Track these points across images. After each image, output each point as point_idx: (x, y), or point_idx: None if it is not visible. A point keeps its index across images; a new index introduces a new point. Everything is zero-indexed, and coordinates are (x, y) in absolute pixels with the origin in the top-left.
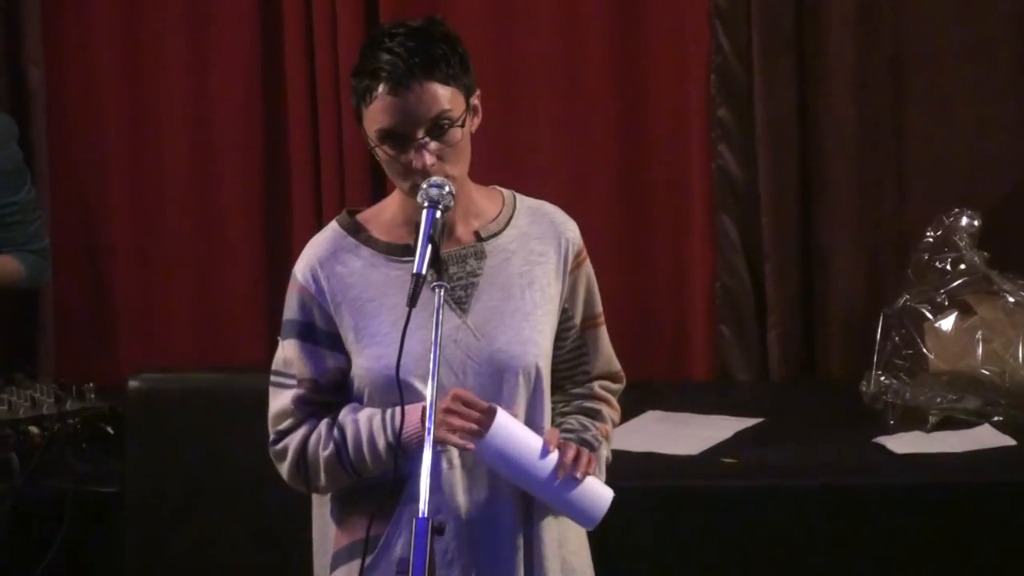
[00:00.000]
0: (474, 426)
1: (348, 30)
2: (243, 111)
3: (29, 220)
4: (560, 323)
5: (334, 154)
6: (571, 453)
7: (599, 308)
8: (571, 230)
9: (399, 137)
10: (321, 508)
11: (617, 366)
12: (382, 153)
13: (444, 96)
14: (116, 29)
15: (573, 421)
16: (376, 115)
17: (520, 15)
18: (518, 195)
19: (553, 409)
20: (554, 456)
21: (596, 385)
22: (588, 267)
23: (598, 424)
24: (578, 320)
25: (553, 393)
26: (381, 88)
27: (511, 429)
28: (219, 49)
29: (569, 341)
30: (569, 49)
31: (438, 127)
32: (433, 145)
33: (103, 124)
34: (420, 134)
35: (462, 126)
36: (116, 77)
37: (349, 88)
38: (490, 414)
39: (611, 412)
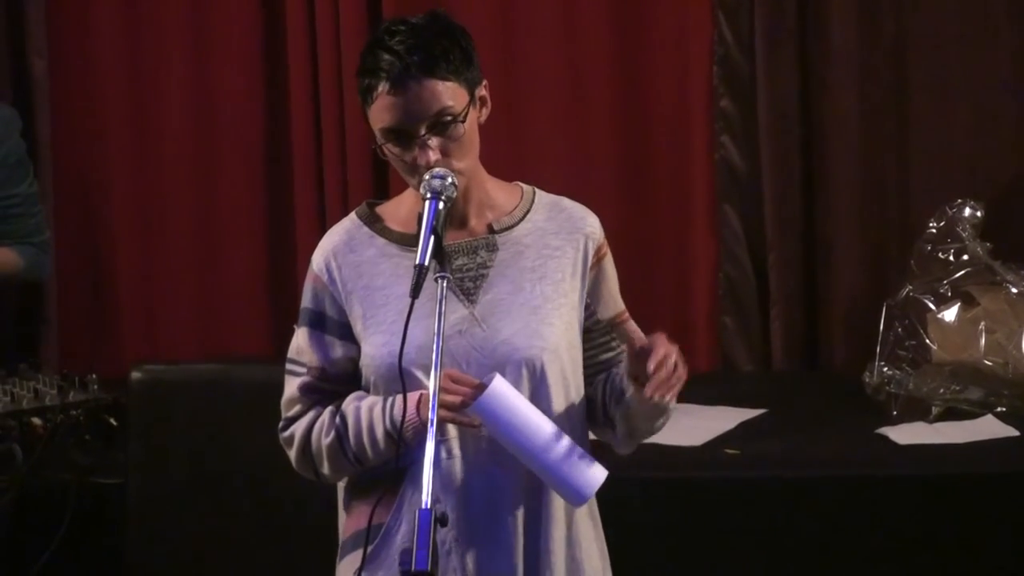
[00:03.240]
0: (463, 399)
1: (351, 22)
2: (246, 104)
3: (30, 213)
4: (585, 318)
5: (336, 147)
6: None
7: (622, 304)
8: (591, 225)
9: (402, 135)
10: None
11: None
12: (388, 151)
13: (444, 92)
14: (120, 21)
15: None
16: (379, 114)
17: (522, 7)
18: (538, 190)
19: (609, 377)
20: (549, 427)
21: None
22: (610, 262)
23: None
24: (604, 316)
25: (597, 376)
26: (381, 87)
27: (508, 394)
28: (222, 41)
29: (597, 333)
30: (571, 41)
31: (440, 123)
32: (435, 141)
33: (106, 116)
34: (422, 131)
35: (463, 121)
36: (119, 69)
37: (354, 86)
38: (481, 389)
39: None
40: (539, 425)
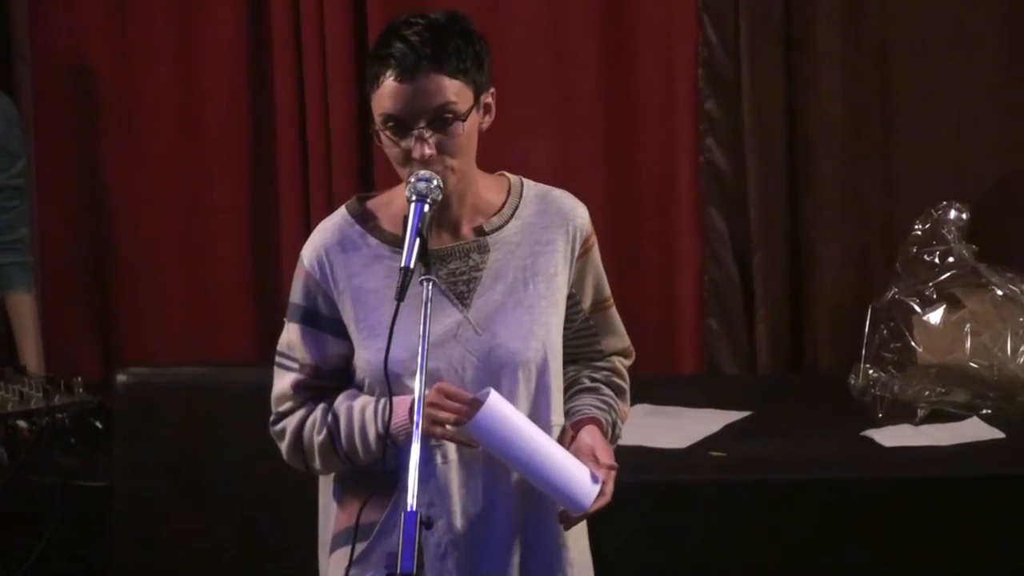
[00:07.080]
0: (457, 416)
1: (336, 24)
2: (231, 107)
3: (9, 207)
4: (568, 307)
5: (322, 148)
6: (608, 488)
7: (608, 291)
8: (580, 216)
9: (401, 124)
10: (326, 487)
11: (628, 341)
12: (385, 138)
13: (450, 89)
14: (104, 25)
15: (608, 399)
16: (382, 100)
17: (508, 8)
18: (526, 182)
19: (576, 379)
20: (544, 440)
21: (617, 361)
22: (596, 252)
23: (622, 407)
24: (587, 304)
25: (570, 365)
26: (389, 74)
27: (503, 411)
28: (207, 45)
29: (577, 323)
30: (557, 42)
31: (441, 119)
32: (433, 137)
33: (91, 120)
34: (422, 124)
35: (464, 120)
36: (104, 73)
37: (340, 91)
38: (475, 404)
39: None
40: (535, 440)
